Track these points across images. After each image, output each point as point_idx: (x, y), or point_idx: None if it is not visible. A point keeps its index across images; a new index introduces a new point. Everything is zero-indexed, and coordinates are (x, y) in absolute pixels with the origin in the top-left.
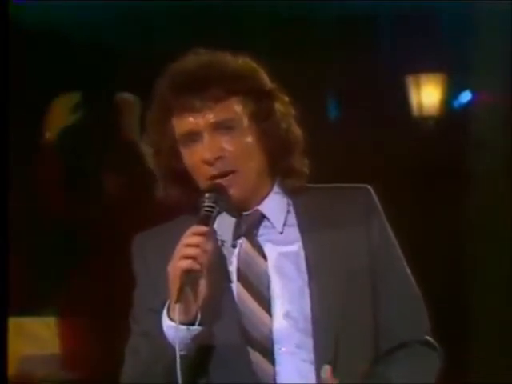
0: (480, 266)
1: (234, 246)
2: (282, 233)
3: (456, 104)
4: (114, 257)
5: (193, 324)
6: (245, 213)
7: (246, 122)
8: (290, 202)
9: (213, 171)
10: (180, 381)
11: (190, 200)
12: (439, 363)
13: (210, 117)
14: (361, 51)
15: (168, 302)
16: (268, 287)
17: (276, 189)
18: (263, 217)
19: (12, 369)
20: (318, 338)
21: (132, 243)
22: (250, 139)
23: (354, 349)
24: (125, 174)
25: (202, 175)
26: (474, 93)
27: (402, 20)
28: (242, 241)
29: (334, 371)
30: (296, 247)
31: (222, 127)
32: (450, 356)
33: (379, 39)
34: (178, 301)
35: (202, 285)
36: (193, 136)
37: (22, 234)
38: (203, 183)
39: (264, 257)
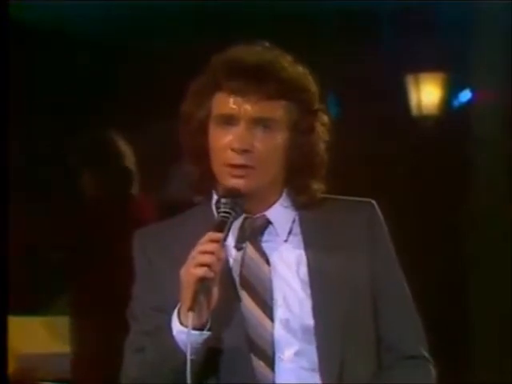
0: (480, 265)
1: (238, 249)
2: (286, 241)
3: (456, 103)
4: (117, 255)
5: (202, 329)
6: (251, 216)
7: (284, 128)
8: (297, 212)
9: (235, 160)
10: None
11: (202, 182)
12: (435, 380)
13: (254, 109)
14: (360, 50)
15: (178, 306)
16: (271, 293)
17: (285, 199)
18: (269, 223)
19: (12, 368)
20: (320, 348)
21: (134, 239)
22: (280, 145)
23: (356, 361)
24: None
25: (223, 160)
26: (474, 92)
27: (402, 19)
28: (246, 245)
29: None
30: (299, 257)
31: (261, 124)
32: (450, 356)
33: (379, 38)
34: (191, 309)
35: (214, 291)
36: (230, 120)
37: (22, 233)
38: (219, 168)
39: (268, 262)
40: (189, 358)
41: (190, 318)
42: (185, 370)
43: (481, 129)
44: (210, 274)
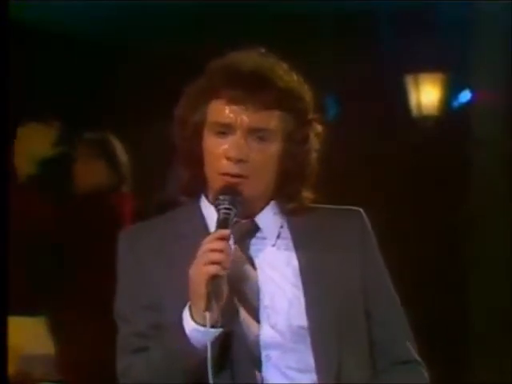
0: (480, 265)
1: None
2: (274, 245)
3: (456, 103)
4: (114, 255)
5: (214, 326)
6: (239, 220)
7: (279, 138)
8: (285, 217)
9: (229, 169)
10: (211, 381)
11: (191, 185)
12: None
13: (251, 119)
14: (360, 51)
15: (188, 304)
16: (257, 295)
17: (274, 205)
18: (257, 228)
19: (12, 368)
20: (316, 349)
21: (119, 239)
22: (275, 156)
23: (351, 361)
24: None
25: (217, 168)
26: (474, 92)
27: (402, 19)
28: (233, 248)
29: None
30: (289, 259)
31: (256, 134)
32: (450, 356)
33: (379, 38)
34: (207, 309)
35: (224, 287)
36: (227, 129)
37: (22, 235)
38: (212, 175)
39: (253, 265)
40: (209, 356)
41: (208, 317)
42: (196, 368)
43: (481, 129)
44: (222, 272)
